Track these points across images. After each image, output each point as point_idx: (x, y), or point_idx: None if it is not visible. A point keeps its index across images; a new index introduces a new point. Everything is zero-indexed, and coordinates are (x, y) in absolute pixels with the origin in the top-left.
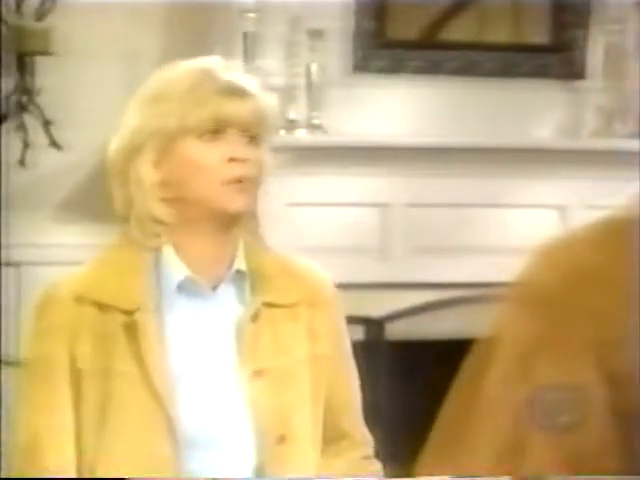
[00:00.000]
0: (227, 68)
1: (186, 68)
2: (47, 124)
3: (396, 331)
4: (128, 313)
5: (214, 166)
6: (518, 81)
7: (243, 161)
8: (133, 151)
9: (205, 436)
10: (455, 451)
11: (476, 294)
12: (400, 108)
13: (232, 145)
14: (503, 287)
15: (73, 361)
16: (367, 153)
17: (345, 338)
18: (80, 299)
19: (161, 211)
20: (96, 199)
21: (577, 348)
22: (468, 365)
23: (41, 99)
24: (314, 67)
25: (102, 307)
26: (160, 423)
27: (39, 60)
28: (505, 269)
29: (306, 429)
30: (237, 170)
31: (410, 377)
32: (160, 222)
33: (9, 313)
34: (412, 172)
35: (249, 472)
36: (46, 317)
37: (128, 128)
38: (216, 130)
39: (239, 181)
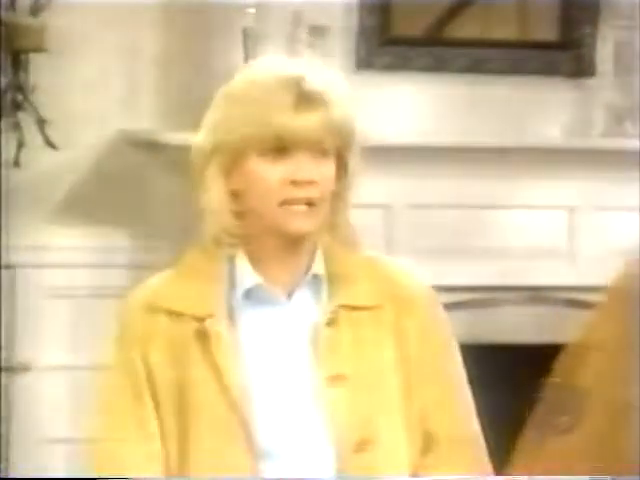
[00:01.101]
0: (310, 73)
1: (265, 72)
2: (42, 123)
3: None
4: (200, 320)
5: (275, 188)
6: (526, 79)
7: (309, 184)
8: (207, 156)
9: (281, 445)
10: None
11: (482, 298)
12: (405, 107)
13: (297, 165)
14: (510, 291)
15: (149, 371)
16: (370, 153)
17: (442, 340)
18: (152, 308)
19: (230, 223)
20: (93, 200)
21: None
22: (560, 365)
23: (36, 97)
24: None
25: (174, 315)
26: (238, 431)
27: (33, 57)
28: (512, 272)
29: (393, 436)
30: (299, 193)
31: None
32: (231, 235)
33: (2, 315)
34: (416, 172)
35: None
36: (120, 328)
37: (205, 127)
38: (280, 148)
39: (303, 204)
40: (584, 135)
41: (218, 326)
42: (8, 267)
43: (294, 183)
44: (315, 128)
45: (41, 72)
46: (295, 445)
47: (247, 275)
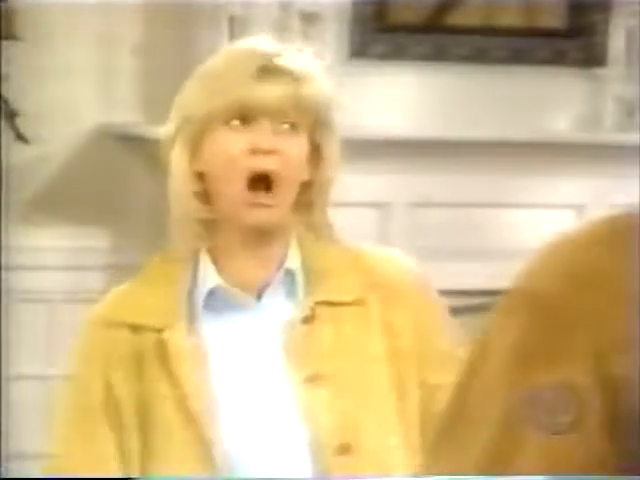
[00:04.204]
0: (278, 48)
1: (232, 48)
2: (13, 115)
3: None
4: (158, 331)
5: (236, 157)
6: (532, 69)
7: (270, 153)
8: (172, 139)
9: (256, 455)
10: (450, 452)
11: (484, 302)
12: (402, 98)
13: (258, 134)
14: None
15: (109, 388)
16: (365, 147)
17: (437, 329)
18: (112, 323)
19: (193, 206)
20: (68, 198)
21: (575, 354)
22: (462, 368)
23: (6, 88)
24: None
25: (134, 328)
26: (197, 448)
27: (4, 45)
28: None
29: (380, 438)
30: (260, 163)
31: None
32: (196, 220)
33: None
34: (415, 168)
35: None
36: (80, 345)
37: (173, 112)
38: (245, 117)
39: (263, 179)
40: (594, 129)
41: (176, 336)
42: None
43: (254, 151)
44: (278, 98)
45: (11, 61)
46: (269, 452)
47: (210, 276)
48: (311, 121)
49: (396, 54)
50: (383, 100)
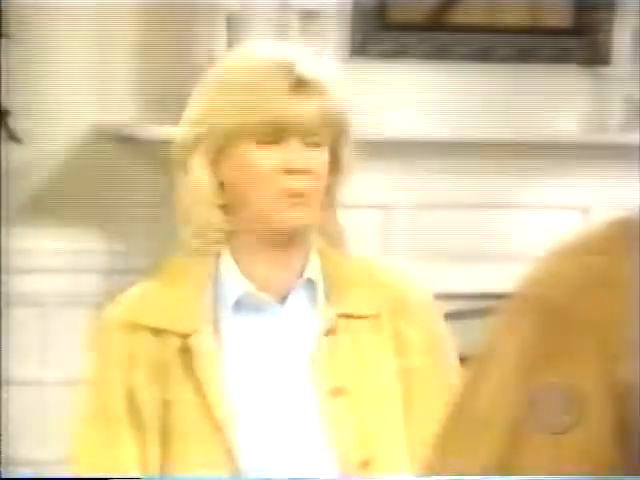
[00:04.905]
0: (301, 56)
1: (258, 56)
2: (4, 115)
3: None
4: (184, 336)
5: (268, 176)
6: (536, 68)
7: (303, 172)
8: (191, 146)
9: (276, 465)
10: (456, 455)
11: (489, 306)
12: (404, 98)
13: (291, 153)
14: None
15: (131, 392)
16: (367, 148)
17: (441, 349)
18: (133, 326)
19: (218, 218)
20: (63, 200)
21: (581, 358)
22: (465, 374)
23: None
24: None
25: (156, 332)
26: (219, 456)
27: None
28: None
29: (397, 451)
30: (294, 183)
31: None
32: (218, 230)
33: None
34: (417, 169)
35: None
36: (99, 349)
37: (188, 118)
38: (276, 134)
39: (297, 195)
40: (600, 129)
41: (203, 342)
42: None
43: (288, 172)
44: (311, 114)
45: (4, 59)
46: (291, 464)
47: (235, 281)
48: (335, 133)
49: (398, 53)
50: (385, 100)
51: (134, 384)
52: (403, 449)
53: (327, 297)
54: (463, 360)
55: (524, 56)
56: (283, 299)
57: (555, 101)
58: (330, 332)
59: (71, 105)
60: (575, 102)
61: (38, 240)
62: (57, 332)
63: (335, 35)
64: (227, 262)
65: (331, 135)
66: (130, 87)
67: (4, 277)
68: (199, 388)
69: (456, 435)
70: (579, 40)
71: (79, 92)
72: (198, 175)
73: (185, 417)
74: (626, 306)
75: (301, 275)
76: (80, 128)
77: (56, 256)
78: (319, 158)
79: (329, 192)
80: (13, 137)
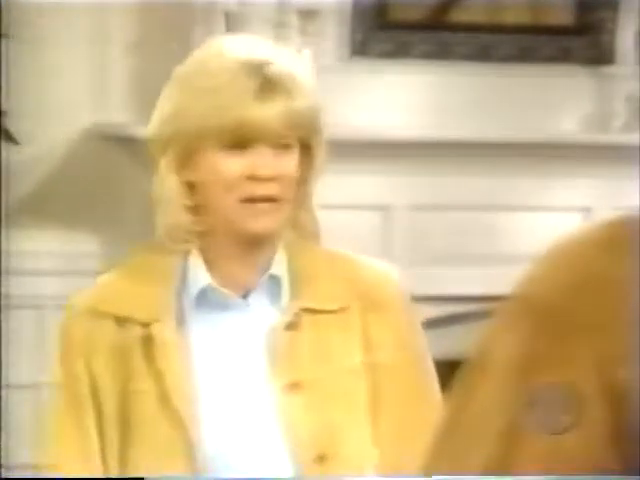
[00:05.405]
0: (270, 54)
1: (226, 56)
2: (0, 115)
3: None
4: (145, 325)
5: (233, 183)
6: (538, 67)
7: (269, 179)
8: (160, 147)
9: (234, 458)
10: (450, 460)
11: (488, 309)
12: (404, 98)
13: (257, 160)
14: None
15: (93, 380)
16: (367, 148)
17: (413, 346)
18: (96, 313)
19: (184, 218)
20: (60, 201)
21: (578, 360)
22: (461, 377)
23: None
24: (306, 52)
25: (119, 320)
26: (177, 445)
27: None
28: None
29: (358, 447)
30: (259, 190)
31: None
32: (187, 230)
33: None
34: (417, 170)
35: None
36: (64, 335)
37: (156, 118)
38: (242, 140)
39: (265, 200)
40: (603, 129)
41: (164, 331)
42: None
43: (254, 178)
44: (277, 120)
45: (3, 60)
46: (249, 457)
47: (200, 275)
48: (304, 132)
49: (398, 52)
50: (385, 100)
51: (95, 370)
52: (366, 445)
53: (292, 292)
54: (463, 362)
55: (525, 55)
56: (247, 295)
57: (557, 101)
58: (291, 327)
59: (69, 105)
60: (577, 102)
61: (35, 242)
62: (54, 335)
63: (335, 34)
64: (194, 258)
65: (299, 135)
66: (128, 87)
67: (1, 279)
68: (159, 377)
69: (452, 440)
70: (581, 39)
71: (77, 92)
72: (166, 176)
73: (144, 405)
74: (625, 307)
75: (267, 271)
76: (77, 128)
77: (53, 259)
78: (288, 162)
79: (302, 188)
80: (9, 138)
